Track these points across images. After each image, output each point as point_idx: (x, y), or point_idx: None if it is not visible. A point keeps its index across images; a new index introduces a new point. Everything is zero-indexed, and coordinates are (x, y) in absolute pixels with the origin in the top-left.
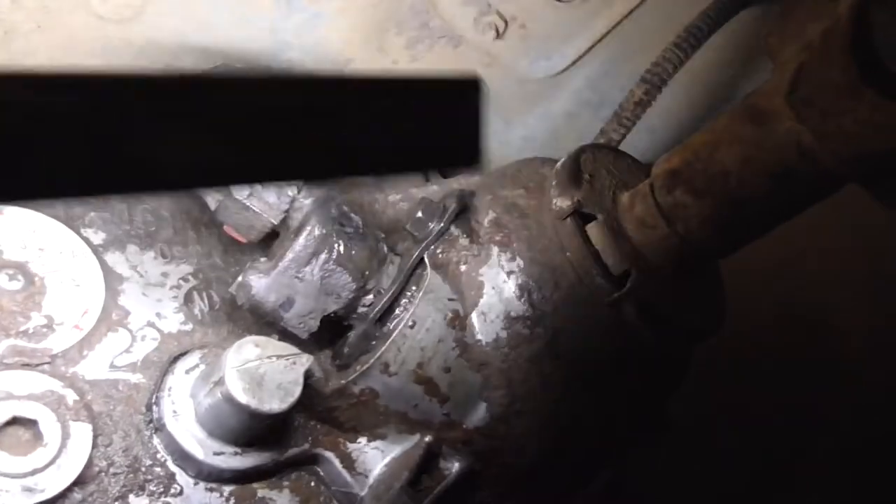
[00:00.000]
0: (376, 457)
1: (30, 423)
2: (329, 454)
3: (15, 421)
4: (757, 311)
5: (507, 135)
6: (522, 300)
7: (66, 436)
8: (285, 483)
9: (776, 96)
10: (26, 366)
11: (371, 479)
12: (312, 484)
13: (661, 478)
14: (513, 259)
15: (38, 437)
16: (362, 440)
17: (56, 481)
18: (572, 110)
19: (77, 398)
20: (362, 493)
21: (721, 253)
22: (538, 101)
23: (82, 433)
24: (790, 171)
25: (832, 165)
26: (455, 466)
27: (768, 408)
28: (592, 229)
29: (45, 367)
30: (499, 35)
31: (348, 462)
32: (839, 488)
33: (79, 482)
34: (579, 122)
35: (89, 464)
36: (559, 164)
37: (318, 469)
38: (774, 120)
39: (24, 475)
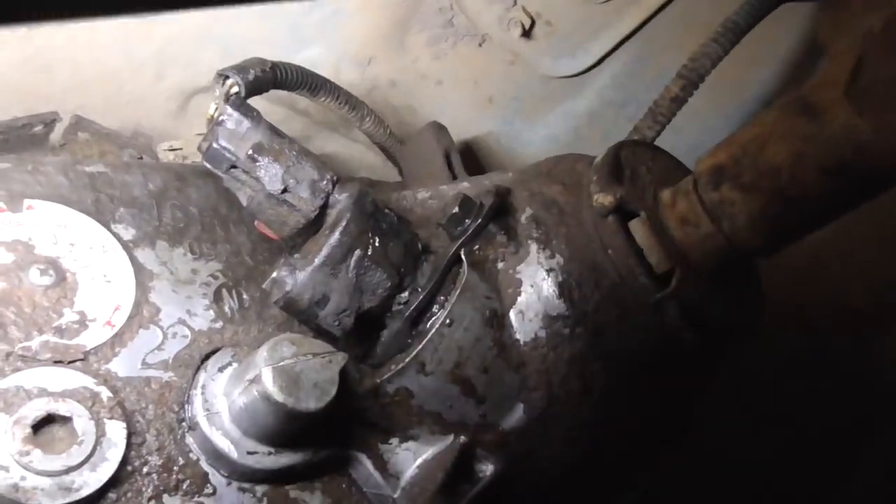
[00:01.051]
0: (408, 458)
1: (64, 421)
2: (361, 455)
3: (50, 418)
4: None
5: (530, 134)
6: (562, 299)
7: (100, 434)
8: (317, 484)
9: (830, 89)
10: (59, 362)
11: (403, 481)
12: (344, 486)
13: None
14: (552, 256)
15: (72, 435)
16: (394, 441)
17: (91, 480)
18: (595, 109)
19: (111, 395)
20: (395, 495)
21: (765, 251)
22: (561, 99)
23: (117, 431)
24: (845, 166)
25: (890, 160)
26: (490, 469)
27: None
28: (634, 227)
29: (79, 363)
30: (525, 32)
31: (380, 463)
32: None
33: (113, 481)
34: (602, 121)
35: (123, 463)
36: (598, 159)
37: (351, 470)
38: (828, 113)
39: (59, 473)
